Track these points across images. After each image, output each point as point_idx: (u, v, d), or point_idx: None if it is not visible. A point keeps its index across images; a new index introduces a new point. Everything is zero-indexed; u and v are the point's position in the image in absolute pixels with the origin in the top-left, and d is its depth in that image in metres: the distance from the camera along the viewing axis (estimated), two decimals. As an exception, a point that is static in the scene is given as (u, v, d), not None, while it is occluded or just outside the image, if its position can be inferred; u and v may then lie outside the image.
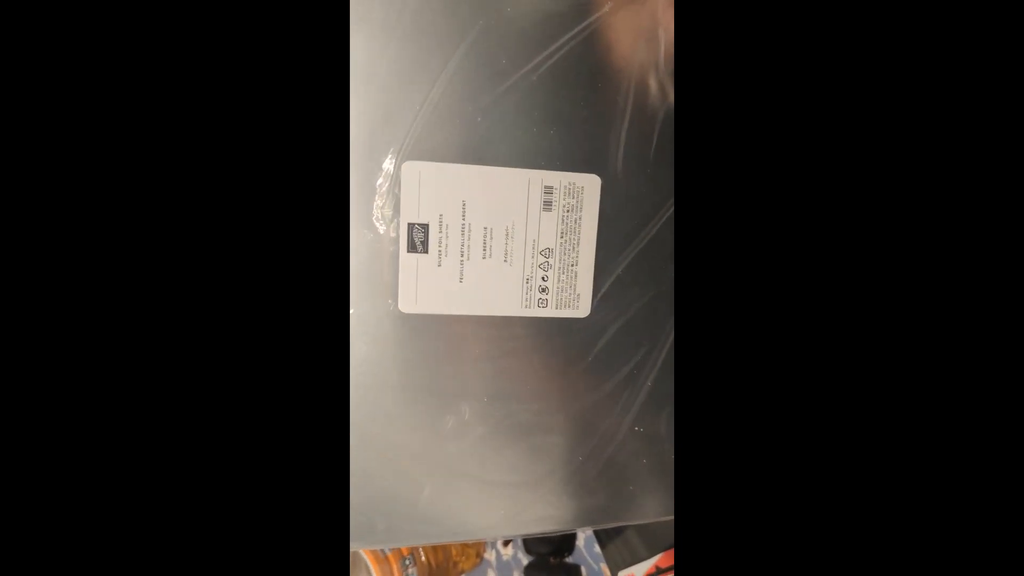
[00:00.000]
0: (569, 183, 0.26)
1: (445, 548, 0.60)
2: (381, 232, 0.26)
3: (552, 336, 0.28)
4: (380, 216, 0.25)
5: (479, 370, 0.27)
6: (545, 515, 0.29)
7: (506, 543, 0.61)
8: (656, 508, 0.30)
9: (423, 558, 0.56)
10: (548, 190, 0.26)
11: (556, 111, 0.26)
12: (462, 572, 0.63)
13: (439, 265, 0.26)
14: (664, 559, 0.47)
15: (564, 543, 0.57)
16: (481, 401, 0.28)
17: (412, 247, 0.26)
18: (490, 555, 0.65)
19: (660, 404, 0.29)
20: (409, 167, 0.25)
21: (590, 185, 0.26)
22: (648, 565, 0.47)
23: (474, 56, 0.24)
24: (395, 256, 0.26)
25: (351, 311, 0.26)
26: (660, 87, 0.26)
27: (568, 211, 0.27)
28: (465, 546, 0.61)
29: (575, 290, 0.27)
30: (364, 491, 0.27)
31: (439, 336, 0.27)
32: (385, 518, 0.28)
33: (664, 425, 0.29)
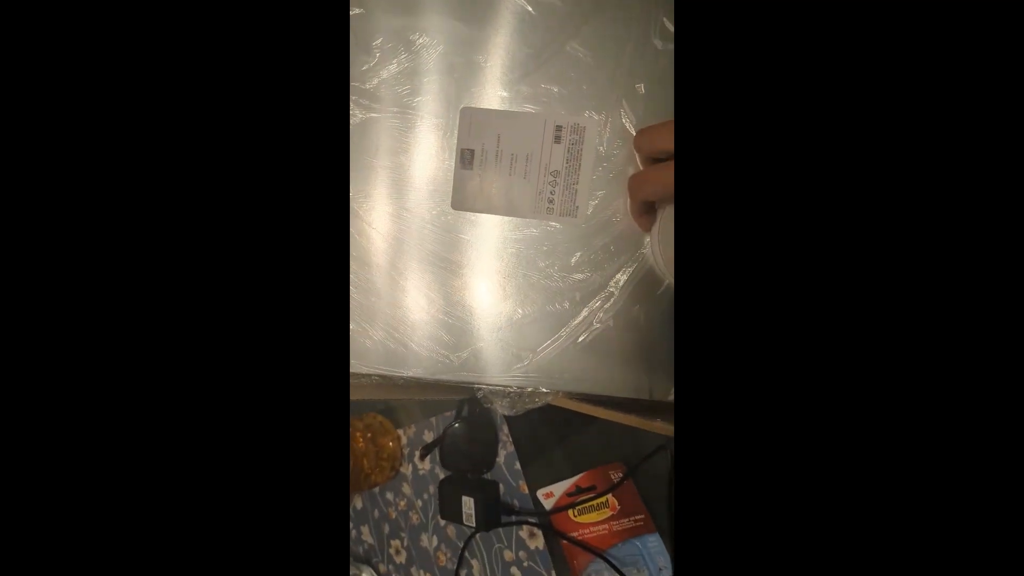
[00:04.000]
0: (574, 124, 0.37)
1: (356, 459, 0.61)
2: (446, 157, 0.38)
3: (556, 235, 0.38)
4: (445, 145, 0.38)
5: (501, 253, 0.38)
6: (542, 372, 0.39)
7: (423, 456, 0.60)
8: (626, 386, 0.38)
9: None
10: (558, 128, 0.37)
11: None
12: (375, 484, 0.64)
13: (480, 178, 0.38)
14: (584, 479, 0.49)
15: (483, 460, 0.55)
16: (502, 275, 0.38)
17: (462, 165, 0.38)
18: (406, 469, 0.65)
19: (635, 300, 0.37)
20: (464, 111, 0.38)
21: (590, 125, 0.37)
22: (568, 484, 0.49)
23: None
24: (451, 170, 0.38)
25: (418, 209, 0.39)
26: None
27: (572, 144, 0.37)
28: (379, 459, 0.62)
29: (575, 203, 0.37)
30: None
31: (476, 226, 0.39)
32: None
33: (642, 316, 0.38)
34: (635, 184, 0.34)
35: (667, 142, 0.32)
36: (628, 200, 0.36)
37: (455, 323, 0.40)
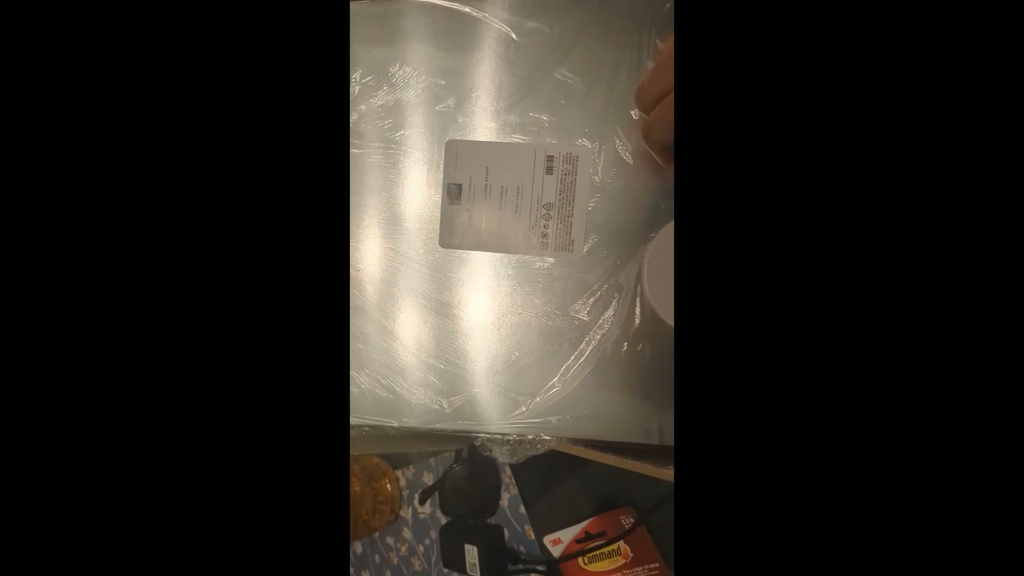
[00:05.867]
0: (566, 153, 0.35)
1: (353, 506, 0.60)
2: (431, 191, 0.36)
3: (552, 271, 0.35)
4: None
5: (494, 292, 0.36)
6: (542, 417, 0.36)
7: (422, 501, 0.58)
8: (633, 429, 0.35)
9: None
10: (550, 158, 0.35)
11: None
12: (374, 530, 0.61)
13: (469, 214, 0.36)
14: (593, 524, 0.46)
15: (485, 504, 0.53)
16: (496, 315, 0.36)
17: (450, 200, 0.36)
18: (406, 513, 0.63)
19: (639, 338, 0.35)
20: (450, 143, 0.36)
21: (583, 154, 0.35)
22: (576, 529, 0.46)
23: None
24: (439, 206, 0.36)
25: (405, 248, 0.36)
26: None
27: (565, 175, 0.35)
28: (377, 502, 0.60)
29: (570, 236, 0.35)
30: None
31: (467, 265, 0.36)
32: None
33: (648, 355, 0.35)
34: (646, 132, 0.31)
35: (662, 85, 0.29)
36: (649, 150, 0.32)
37: (448, 368, 0.37)
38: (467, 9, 0.35)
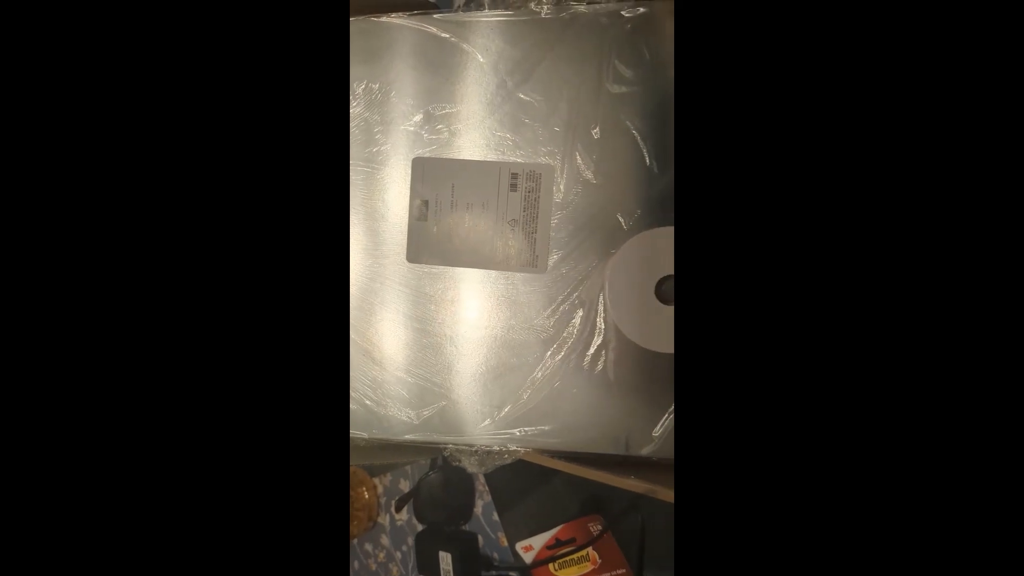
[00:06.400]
0: (530, 171, 0.36)
1: None
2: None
3: (518, 286, 0.36)
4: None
5: (462, 307, 0.37)
6: (510, 428, 0.37)
7: (398, 508, 0.59)
8: (599, 440, 0.36)
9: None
10: (514, 176, 0.36)
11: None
12: (352, 536, 0.62)
13: (435, 230, 0.36)
14: (564, 531, 0.47)
15: (460, 511, 0.53)
16: (465, 329, 0.37)
17: (417, 216, 0.37)
18: (384, 519, 0.63)
19: (603, 350, 0.36)
20: (416, 160, 0.36)
21: (546, 172, 0.35)
22: (547, 536, 0.47)
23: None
24: (405, 223, 0.37)
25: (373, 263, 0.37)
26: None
27: (529, 192, 0.36)
28: (354, 509, 0.61)
29: (535, 252, 0.36)
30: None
31: (437, 280, 0.37)
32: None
33: (612, 367, 0.36)
34: None
35: None
36: None
37: (416, 381, 0.38)
38: (433, 29, 0.36)
